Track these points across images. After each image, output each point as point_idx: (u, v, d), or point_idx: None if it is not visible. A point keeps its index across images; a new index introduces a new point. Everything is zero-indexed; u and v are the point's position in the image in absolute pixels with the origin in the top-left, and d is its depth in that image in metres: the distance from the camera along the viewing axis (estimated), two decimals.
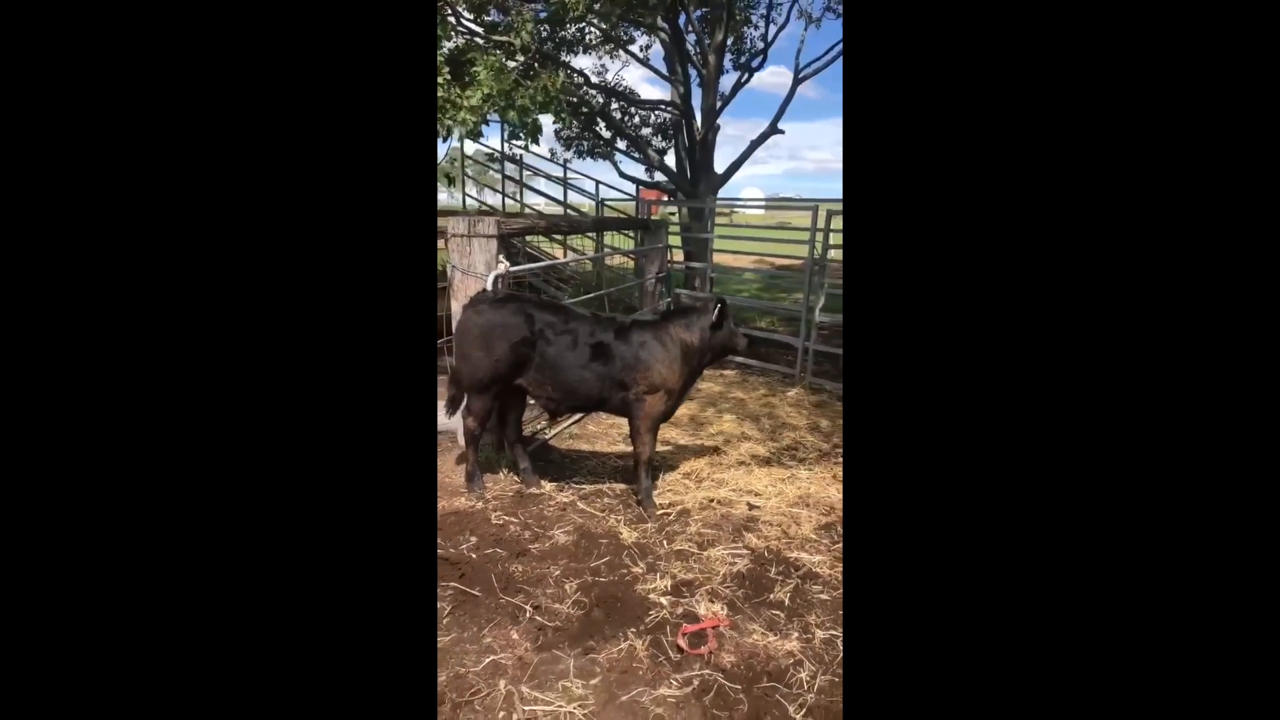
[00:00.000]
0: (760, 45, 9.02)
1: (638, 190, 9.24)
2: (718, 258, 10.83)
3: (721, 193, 8.97)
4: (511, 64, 5.98)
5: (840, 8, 9.05)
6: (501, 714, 2.03)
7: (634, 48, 9.44)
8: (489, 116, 4.87)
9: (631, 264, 8.28)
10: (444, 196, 11.28)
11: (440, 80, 4.55)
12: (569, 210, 10.12)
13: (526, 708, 2.05)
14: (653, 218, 7.20)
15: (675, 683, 2.19)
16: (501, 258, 3.78)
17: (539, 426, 4.44)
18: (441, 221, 3.79)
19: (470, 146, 10.34)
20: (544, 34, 8.54)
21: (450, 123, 4.55)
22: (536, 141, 5.11)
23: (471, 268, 3.70)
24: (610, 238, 9.23)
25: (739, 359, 6.68)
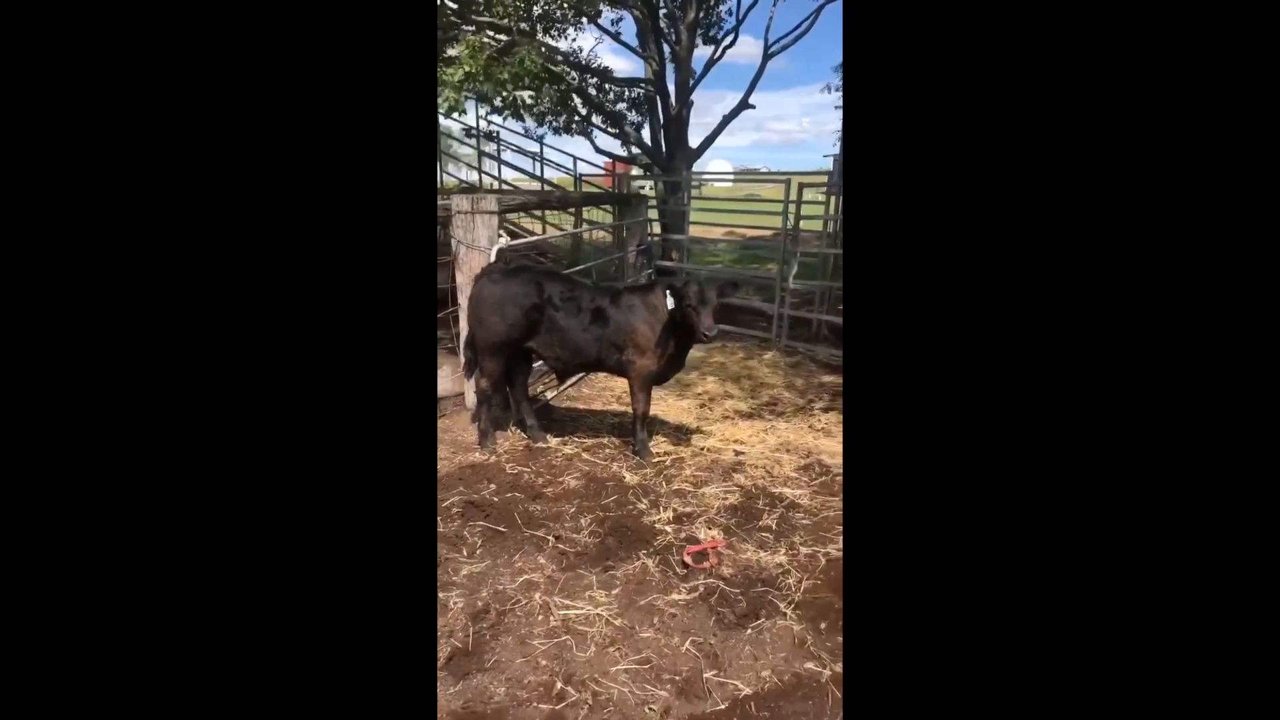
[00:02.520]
0: (731, 21, 9.30)
1: (614, 166, 9.49)
2: (692, 230, 11.21)
3: (692, 166, 9.27)
4: (489, 40, 6.20)
5: None
6: (540, 617, 2.41)
7: (604, 22, 9.63)
8: (473, 93, 5.12)
9: (609, 238, 8.58)
10: None
11: None
12: (545, 185, 10.34)
13: (560, 612, 2.43)
14: (633, 190, 7.50)
15: (684, 590, 2.59)
16: (502, 232, 4.08)
17: (539, 389, 4.77)
18: (444, 200, 4.06)
19: (450, 124, 10.48)
20: (520, 11, 8.70)
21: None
22: (519, 118, 5.37)
23: (475, 242, 4.00)
24: (588, 212, 9.48)
25: (720, 325, 7.06)
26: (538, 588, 2.58)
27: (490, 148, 10.55)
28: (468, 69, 4.84)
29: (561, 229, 9.40)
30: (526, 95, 5.59)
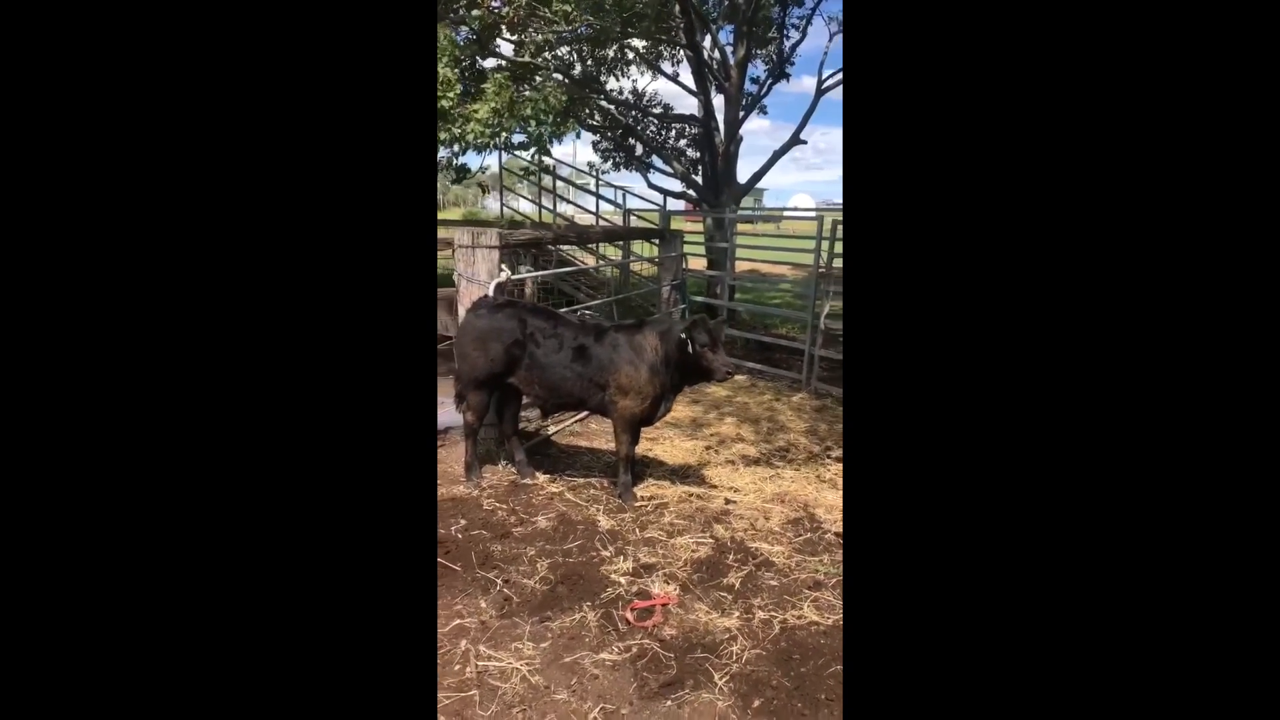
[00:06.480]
0: (786, 55, 9.18)
1: (664, 201, 9.49)
2: (757, 266, 11.02)
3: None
4: (539, 78, 6.39)
5: None
6: (457, 666, 2.31)
7: (665, 64, 9.75)
8: (501, 128, 5.27)
9: (653, 270, 8.57)
10: (489, 203, 11.87)
11: (452, 95, 4.97)
12: (600, 219, 10.47)
13: (480, 663, 2.33)
14: (674, 226, 7.46)
15: (617, 649, 2.43)
16: (503, 266, 4.10)
17: (543, 423, 4.73)
18: (450, 233, 4.14)
19: (511, 159, 10.81)
20: (581, 53, 8.95)
21: (459, 131, 4.96)
22: (547, 153, 5.46)
23: (474, 276, 4.03)
24: (640, 247, 9.52)
25: (750, 365, 6.86)
26: (467, 634, 2.49)
27: (546, 181, 10.80)
28: (493, 105, 4.98)
29: (614, 261, 9.46)
30: (553, 131, 5.68)
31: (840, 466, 4.32)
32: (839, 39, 8.97)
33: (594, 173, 10.60)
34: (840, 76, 8.60)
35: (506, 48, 6.76)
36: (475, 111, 4.98)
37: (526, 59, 5.94)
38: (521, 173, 10.65)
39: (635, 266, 9.22)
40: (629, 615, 2.61)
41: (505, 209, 11.35)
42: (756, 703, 2.19)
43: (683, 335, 3.42)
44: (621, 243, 8.77)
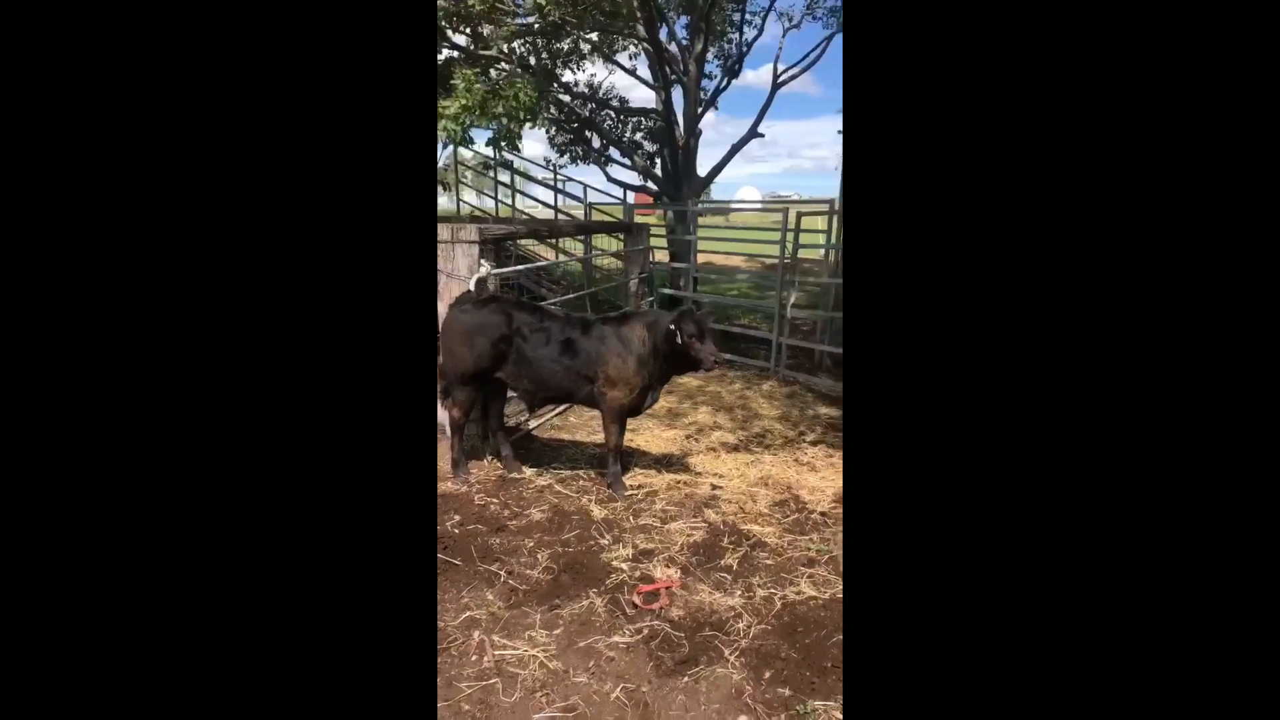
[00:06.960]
0: (743, 50, 9.34)
1: (625, 194, 9.55)
2: (711, 257, 11.19)
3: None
4: (493, 73, 6.35)
5: (818, 12, 9.40)
6: (474, 657, 2.35)
7: (623, 57, 9.78)
8: (471, 125, 5.23)
9: (621, 265, 8.63)
10: (443, 200, 11.63)
11: None
12: (559, 214, 10.44)
13: (496, 652, 2.37)
14: (636, 220, 7.53)
15: (628, 632, 2.50)
16: (484, 261, 4.09)
17: (523, 418, 4.75)
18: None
19: (466, 153, 10.70)
20: (536, 46, 8.90)
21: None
22: (516, 149, 5.45)
23: (455, 271, 4.02)
24: (602, 240, 9.54)
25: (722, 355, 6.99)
26: (479, 625, 2.52)
27: (505, 176, 10.70)
28: (463, 102, 4.95)
29: (573, 255, 9.46)
30: (523, 127, 5.66)
31: (816, 450, 4.48)
32: (793, 34, 9.18)
33: (551, 167, 10.57)
34: (795, 71, 8.80)
35: (459, 40, 6.71)
36: (446, 109, 4.93)
37: (492, 52, 5.90)
38: (480, 168, 10.52)
39: (600, 260, 9.23)
40: (636, 599, 2.68)
41: (462, 204, 11.20)
42: (768, 674, 2.29)
43: (671, 326, 3.49)
44: (584, 237, 8.79)
